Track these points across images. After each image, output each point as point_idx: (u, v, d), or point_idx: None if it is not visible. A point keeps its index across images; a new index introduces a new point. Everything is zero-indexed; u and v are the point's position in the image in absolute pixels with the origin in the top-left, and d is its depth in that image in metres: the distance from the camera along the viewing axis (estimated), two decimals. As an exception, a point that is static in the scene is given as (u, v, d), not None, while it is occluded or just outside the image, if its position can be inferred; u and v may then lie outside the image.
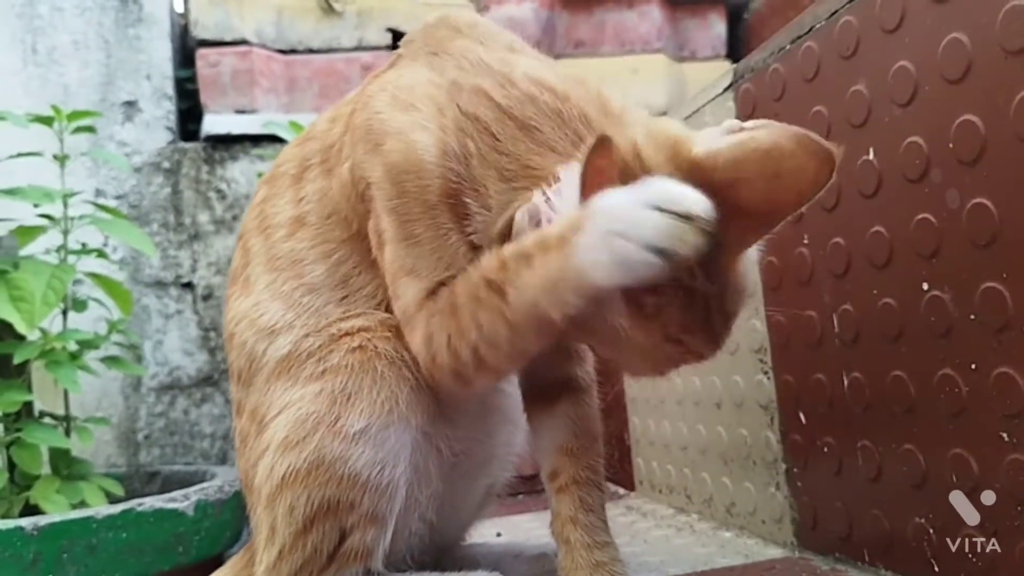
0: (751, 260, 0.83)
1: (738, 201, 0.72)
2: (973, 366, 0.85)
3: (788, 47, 1.11)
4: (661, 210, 0.68)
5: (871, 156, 0.97)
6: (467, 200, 0.88)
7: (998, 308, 0.82)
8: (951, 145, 0.86)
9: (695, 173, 0.73)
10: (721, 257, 0.75)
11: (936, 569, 0.91)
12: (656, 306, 0.76)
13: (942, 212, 0.88)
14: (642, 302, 0.76)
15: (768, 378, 1.20)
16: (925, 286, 0.90)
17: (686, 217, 0.67)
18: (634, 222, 0.69)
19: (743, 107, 1.23)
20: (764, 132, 0.73)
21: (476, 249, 0.88)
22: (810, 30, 1.07)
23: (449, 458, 0.99)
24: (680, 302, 0.76)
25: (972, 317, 0.85)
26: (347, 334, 0.93)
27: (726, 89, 1.27)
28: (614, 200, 0.71)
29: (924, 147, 0.89)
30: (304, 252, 1.00)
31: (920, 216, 0.90)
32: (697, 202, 0.68)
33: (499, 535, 1.35)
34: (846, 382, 1.03)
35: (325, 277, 0.99)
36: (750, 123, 0.75)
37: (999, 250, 0.81)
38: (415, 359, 0.92)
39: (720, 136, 0.75)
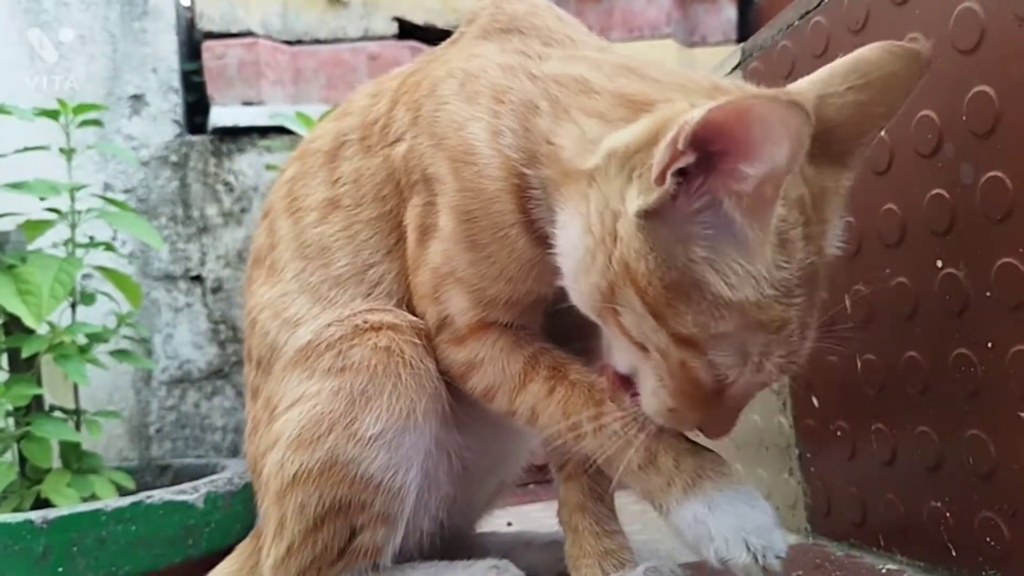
0: None
1: (829, 123, 0.73)
2: (989, 344, 0.83)
3: (797, 23, 1.09)
4: (751, 552, 0.75)
5: (882, 132, 0.94)
6: (528, 172, 0.82)
7: (1015, 284, 0.80)
8: (964, 117, 0.83)
9: None
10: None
11: (953, 553, 0.89)
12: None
13: (956, 187, 0.86)
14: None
15: (780, 362, 1.18)
16: (939, 263, 0.88)
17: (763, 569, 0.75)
18: (727, 548, 0.75)
19: (752, 87, 1.21)
20: (846, 56, 0.77)
21: (538, 238, 0.83)
22: (819, 5, 1.05)
23: (460, 465, 0.98)
24: None
25: (988, 294, 0.83)
26: (373, 328, 0.91)
27: (734, 69, 1.25)
28: (729, 514, 0.76)
29: (936, 121, 0.87)
30: (333, 238, 0.97)
31: (933, 192, 0.88)
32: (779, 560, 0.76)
33: (509, 524, 1.33)
34: (859, 364, 1.01)
35: (349, 265, 0.96)
36: None
37: (1015, 224, 0.79)
38: (437, 370, 0.92)
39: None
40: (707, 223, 0.68)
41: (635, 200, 0.69)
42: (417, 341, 0.91)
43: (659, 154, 0.66)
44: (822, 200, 0.72)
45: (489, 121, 0.85)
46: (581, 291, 0.78)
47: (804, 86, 0.76)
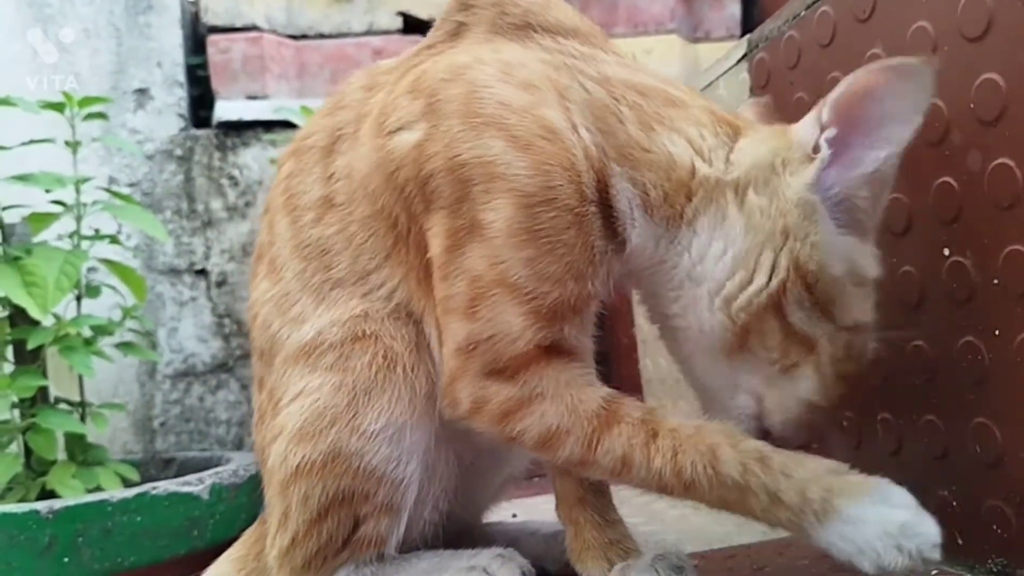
0: None
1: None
2: (996, 332, 0.83)
3: (803, 13, 1.08)
4: (905, 554, 0.71)
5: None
6: (617, 167, 0.83)
7: (1022, 272, 0.79)
8: (972, 105, 0.83)
9: None
10: None
11: (960, 542, 0.89)
12: None
13: (963, 175, 0.85)
14: None
15: (786, 353, 1.18)
16: (946, 252, 0.88)
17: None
18: (881, 558, 0.72)
19: (757, 77, 1.21)
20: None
21: (612, 231, 0.83)
22: (825, -5, 1.05)
23: (462, 460, 0.98)
24: None
25: (995, 282, 0.83)
26: (370, 337, 0.90)
27: (740, 60, 1.25)
28: (871, 524, 0.73)
29: (944, 109, 0.87)
30: (331, 240, 0.94)
31: (940, 180, 0.88)
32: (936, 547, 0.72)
33: (515, 516, 1.33)
34: (865, 353, 1.01)
35: (348, 270, 0.93)
36: None
37: (1022, 212, 0.79)
38: (436, 372, 0.89)
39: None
40: (841, 212, 0.79)
41: (797, 178, 0.80)
42: (413, 350, 0.90)
43: (806, 131, 0.80)
44: None
45: (563, 114, 0.82)
46: (740, 297, 0.81)
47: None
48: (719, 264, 0.82)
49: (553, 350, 0.82)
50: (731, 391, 0.85)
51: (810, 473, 0.75)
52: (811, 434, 0.85)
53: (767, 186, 0.81)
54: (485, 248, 0.81)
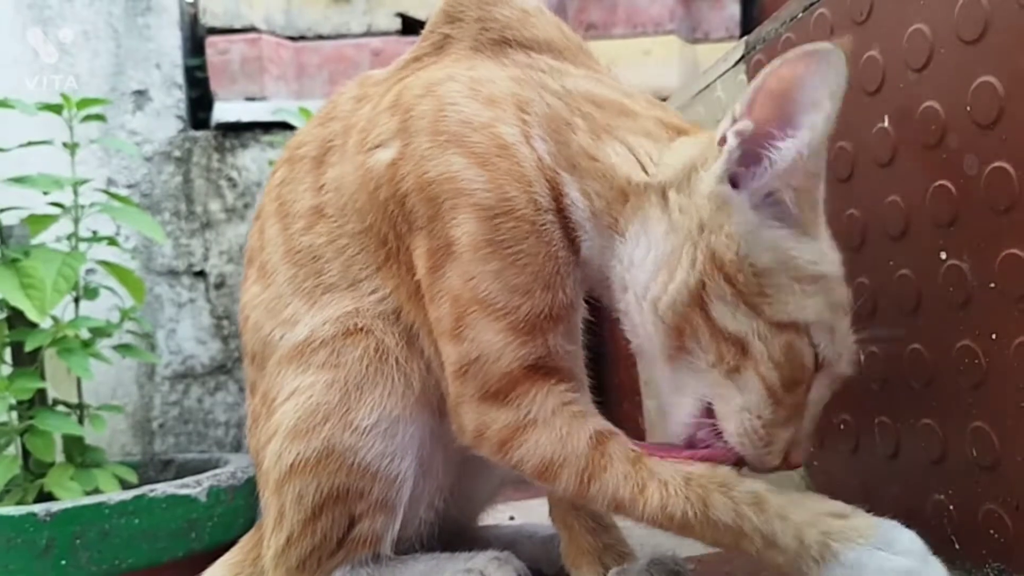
0: None
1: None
2: (993, 336, 0.82)
3: (800, 15, 1.08)
4: None
5: (886, 123, 0.94)
6: (567, 176, 0.84)
7: (1018, 275, 0.79)
8: (968, 108, 0.83)
9: None
10: None
11: (956, 546, 0.89)
12: None
13: (959, 178, 0.85)
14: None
15: (783, 356, 1.17)
16: (943, 255, 0.88)
17: None
18: None
19: (755, 80, 1.20)
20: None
21: (570, 240, 0.84)
22: (822, -3, 1.04)
23: (457, 456, 0.98)
24: None
25: (992, 285, 0.82)
26: (363, 331, 0.91)
27: (737, 62, 1.25)
28: (870, 570, 0.70)
29: (940, 112, 0.87)
30: (322, 248, 0.95)
31: (937, 183, 0.88)
32: None
33: (512, 518, 1.33)
34: (863, 357, 1.00)
35: (340, 277, 0.94)
36: None
37: (1019, 215, 0.79)
38: (429, 376, 0.90)
39: None
40: (773, 208, 0.77)
41: (709, 172, 0.78)
42: (404, 345, 0.91)
43: (721, 125, 0.78)
44: None
45: (520, 128, 0.84)
46: (664, 296, 0.79)
47: None
48: (643, 267, 0.81)
49: (539, 369, 0.82)
50: (678, 396, 0.82)
51: (809, 516, 0.73)
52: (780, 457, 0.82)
53: (688, 184, 0.80)
54: (458, 266, 0.82)
